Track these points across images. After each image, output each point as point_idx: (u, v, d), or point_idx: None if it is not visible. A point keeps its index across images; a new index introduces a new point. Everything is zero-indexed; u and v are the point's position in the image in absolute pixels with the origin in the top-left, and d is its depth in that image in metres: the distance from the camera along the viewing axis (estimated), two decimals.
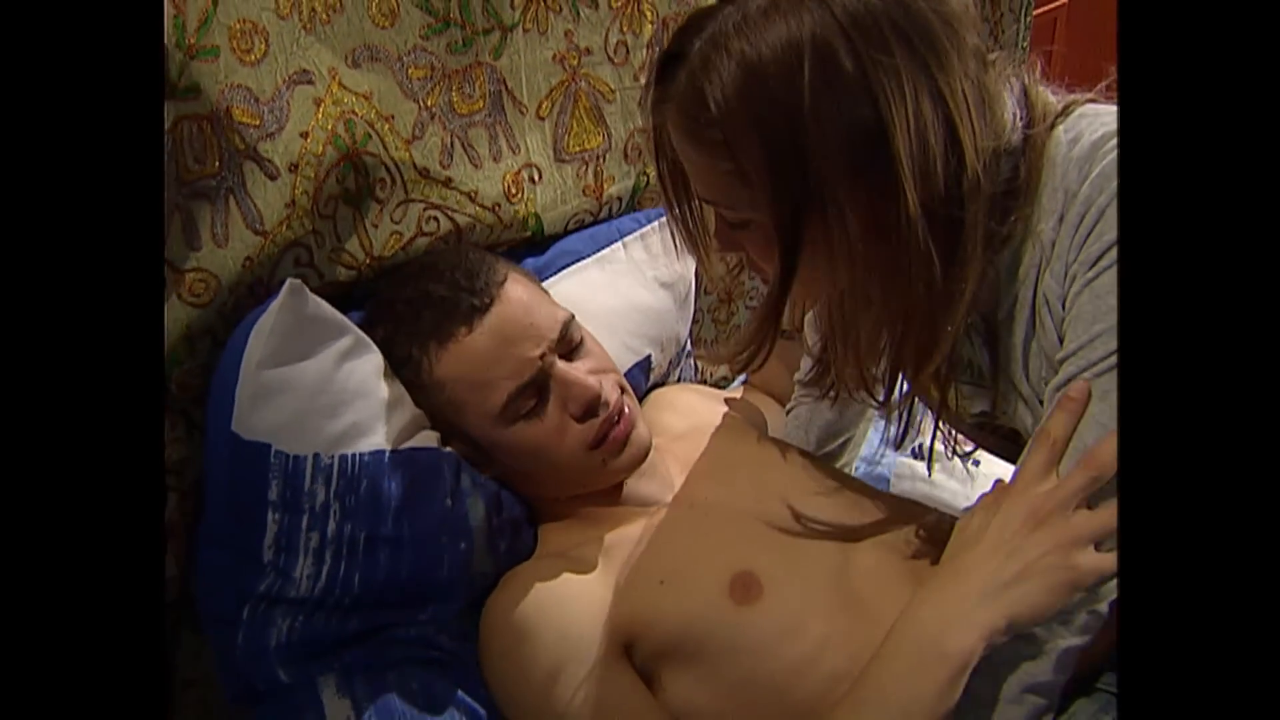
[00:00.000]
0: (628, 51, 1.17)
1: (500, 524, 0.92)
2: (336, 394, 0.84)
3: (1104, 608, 0.71)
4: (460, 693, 0.84)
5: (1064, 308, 0.71)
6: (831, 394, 0.96)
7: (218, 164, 0.86)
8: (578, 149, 1.14)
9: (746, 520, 0.91)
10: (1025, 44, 2.07)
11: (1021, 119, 0.72)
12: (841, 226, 0.67)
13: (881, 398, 0.83)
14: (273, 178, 0.89)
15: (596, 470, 0.92)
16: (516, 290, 0.92)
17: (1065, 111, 0.74)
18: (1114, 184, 0.67)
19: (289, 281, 0.84)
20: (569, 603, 0.84)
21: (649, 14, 1.18)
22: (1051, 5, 2.44)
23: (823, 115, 0.64)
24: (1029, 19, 2.05)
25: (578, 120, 1.14)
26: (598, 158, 1.17)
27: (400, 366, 0.91)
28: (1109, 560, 0.67)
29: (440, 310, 0.89)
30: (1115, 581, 0.69)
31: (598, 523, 0.94)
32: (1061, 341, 0.72)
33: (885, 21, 0.64)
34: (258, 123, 0.88)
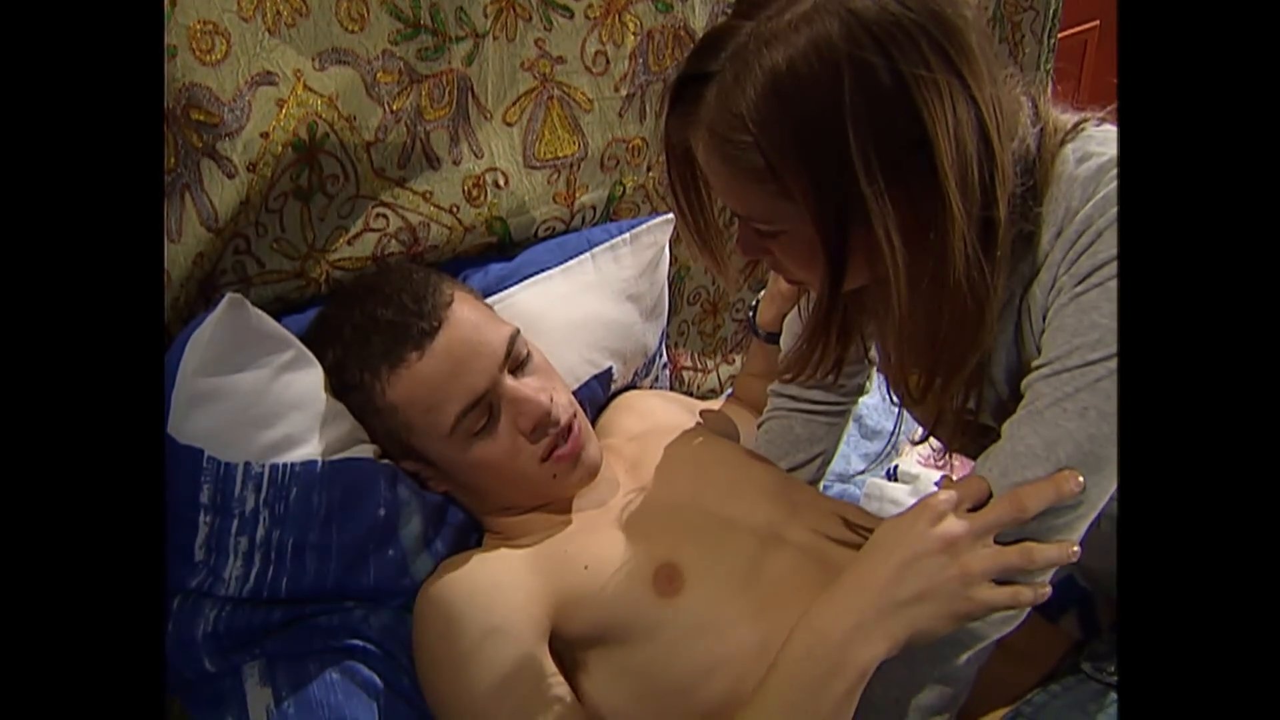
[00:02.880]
0: (608, 62, 1.18)
1: (441, 532, 0.94)
2: (271, 405, 0.86)
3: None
4: (380, 682, 0.85)
5: (1044, 320, 0.72)
6: (830, 376, 0.95)
7: (173, 160, 0.88)
8: (549, 156, 1.15)
9: (679, 514, 0.91)
10: (1049, 67, 2.04)
11: (1033, 132, 0.73)
12: (885, 232, 0.66)
13: (908, 399, 0.83)
14: (231, 176, 0.91)
15: (549, 484, 0.93)
16: (463, 311, 0.92)
17: (1076, 129, 0.74)
18: (1115, 209, 0.67)
19: (228, 296, 0.86)
20: (497, 591, 0.85)
21: (631, 25, 1.19)
22: (1081, 28, 2.40)
23: (864, 130, 0.63)
24: (1053, 41, 2.02)
25: (550, 128, 1.15)
26: (571, 165, 1.17)
27: (350, 390, 0.92)
28: (1002, 595, 0.69)
29: (389, 335, 0.90)
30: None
31: (542, 524, 0.95)
32: (1040, 351, 0.72)
33: (917, 31, 0.63)
34: (217, 121, 0.90)
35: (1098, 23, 2.46)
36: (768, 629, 0.80)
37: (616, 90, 1.20)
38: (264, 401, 0.86)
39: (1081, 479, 0.67)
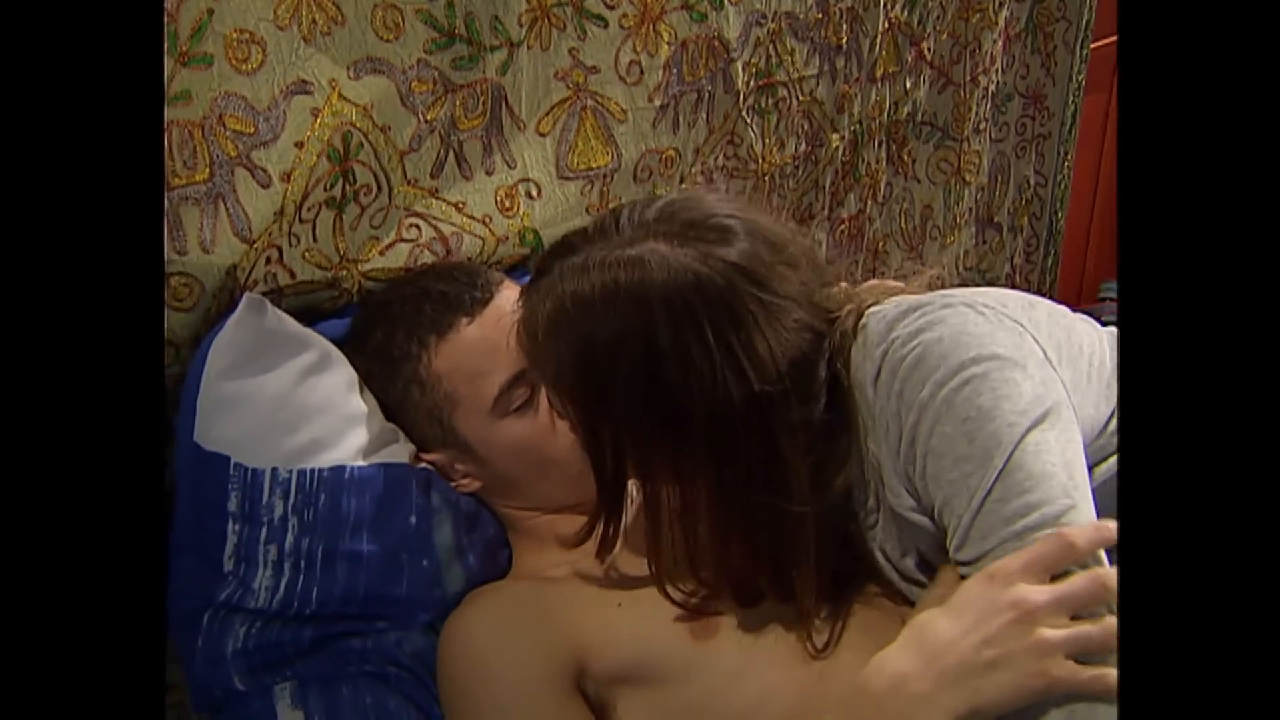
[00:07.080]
0: (641, 72, 1.17)
1: (472, 542, 0.92)
2: (297, 408, 0.85)
3: None
4: (413, 708, 0.83)
5: (920, 500, 0.72)
6: None
7: (208, 170, 0.87)
8: (583, 167, 1.14)
9: None
10: (1081, 78, 2.01)
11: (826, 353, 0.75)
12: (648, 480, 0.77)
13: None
14: (265, 186, 0.90)
15: (585, 475, 0.91)
16: (515, 291, 0.92)
17: (857, 328, 0.76)
18: (896, 398, 0.70)
19: (247, 296, 0.85)
20: (527, 635, 0.82)
21: (665, 35, 1.18)
22: (1114, 39, 2.36)
23: (636, 392, 0.71)
24: (1086, 51, 1.99)
25: (583, 138, 1.13)
26: (604, 176, 1.16)
27: (400, 363, 0.92)
28: (1085, 676, 0.62)
29: (441, 303, 0.91)
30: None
31: (574, 546, 0.92)
32: (933, 508, 0.71)
33: (703, 309, 0.69)
34: (252, 131, 0.89)
35: None
36: (809, 671, 0.77)
37: (650, 100, 1.18)
38: (289, 405, 0.85)
39: None
